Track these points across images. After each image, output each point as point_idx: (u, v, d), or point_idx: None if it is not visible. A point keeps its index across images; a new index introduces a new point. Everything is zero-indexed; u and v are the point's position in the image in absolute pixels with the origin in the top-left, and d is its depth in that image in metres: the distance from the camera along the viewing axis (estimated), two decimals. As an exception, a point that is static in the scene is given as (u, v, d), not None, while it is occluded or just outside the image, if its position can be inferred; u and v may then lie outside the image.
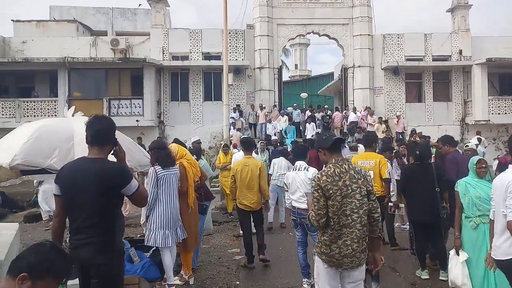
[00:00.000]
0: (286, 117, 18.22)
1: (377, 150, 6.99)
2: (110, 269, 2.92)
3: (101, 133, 2.99)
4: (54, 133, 4.84)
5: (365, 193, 3.24)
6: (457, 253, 4.53)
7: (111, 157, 3.11)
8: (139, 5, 24.45)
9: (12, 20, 22.02)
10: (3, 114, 18.21)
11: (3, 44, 20.15)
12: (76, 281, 3.07)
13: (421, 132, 17.13)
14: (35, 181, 9.41)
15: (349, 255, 3.17)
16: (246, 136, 7.96)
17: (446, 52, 20.82)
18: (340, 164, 3.27)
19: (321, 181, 3.20)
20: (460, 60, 20.55)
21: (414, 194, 5.60)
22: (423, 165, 5.65)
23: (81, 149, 4.41)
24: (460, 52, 20.65)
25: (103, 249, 2.88)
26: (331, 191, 3.16)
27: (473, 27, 21.12)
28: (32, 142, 4.60)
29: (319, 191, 3.19)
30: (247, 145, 6.66)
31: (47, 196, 9.21)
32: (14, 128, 5.60)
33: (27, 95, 19.32)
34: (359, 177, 3.26)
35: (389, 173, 6.21)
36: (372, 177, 5.79)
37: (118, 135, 3.23)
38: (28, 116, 17.78)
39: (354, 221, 3.17)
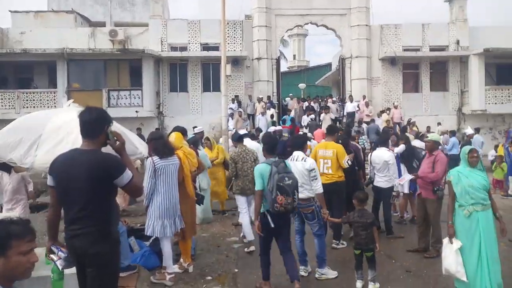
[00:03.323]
0: (272, 110, 18.15)
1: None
2: (105, 258, 2.94)
3: (88, 124, 3.00)
4: (25, 126, 4.91)
5: (253, 160, 6.78)
6: (451, 241, 4.60)
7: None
8: None
9: (10, 11, 21.93)
10: (2, 105, 18.24)
11: (1, 35, 20.09)
12: (73, 270, 3.12)
13: (415, 121, 17.33)
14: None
15: (248, 189, 6.59)
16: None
17: (443, 42, 20.80)
18: (242, 148, 6.98)
19: (233, 155, 6.89)
20: (457, 50, 20.55)
21: None
22: None
23: (46, 138, 4.56)
24: (458, 42, 20.60)
25: (97, 238, 2.91)
26: (237, 159, 6.75)
27: (470, 17, 21.05)
28: (2, 136, 4.71)
29: (231, 159, 6.81)
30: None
31: None
32: (14, 119, 5.64)
33: (26, 86, 19.31)
34: (250, 153, 6.88)
35: (348, 161, 6.46)
36: (329, 165, 6.35)
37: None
38: (27, 107, 17.83)
39: (249, 173, 6.55)
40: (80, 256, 2.95)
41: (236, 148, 7.19)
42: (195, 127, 10.25)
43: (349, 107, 18.77)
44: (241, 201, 6.79)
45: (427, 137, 7.03)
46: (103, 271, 2.95)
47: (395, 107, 18.77)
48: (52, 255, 3.03)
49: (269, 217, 4.54)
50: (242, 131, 9.11)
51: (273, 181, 4.42)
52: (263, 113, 17.67)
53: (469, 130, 14.22)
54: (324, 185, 6.17)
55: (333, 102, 19.57)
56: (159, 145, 5.11)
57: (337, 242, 6.59)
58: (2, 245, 1.94)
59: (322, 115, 17.49)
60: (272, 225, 4.53)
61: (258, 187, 4.61)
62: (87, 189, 2.87)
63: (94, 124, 2.99)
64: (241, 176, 6.71)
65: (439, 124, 18.65)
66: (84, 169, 2.87)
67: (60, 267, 3.01)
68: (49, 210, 3.19)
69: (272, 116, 17.50)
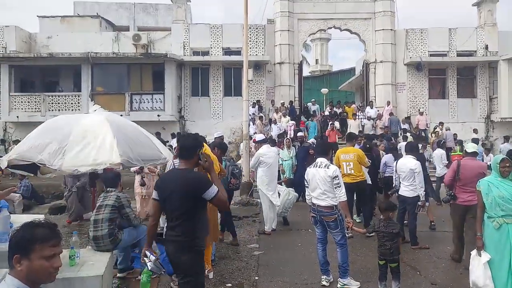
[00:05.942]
0: (288, 117, 17.49)
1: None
2: (187, 266, 3.38)
3: (185, 148, 3.59)
4: (54, 128, 5.02)
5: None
6: (479, 254, 4.44)
7: None
8: None
9: (38, 16, 22.55)
10: (29, 108, 18.72)
11: (29, 40, 20.65)
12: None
13: (438, 131, 16.95)
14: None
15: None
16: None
17: (471, 47, 20.31)
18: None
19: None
20: (486, 56, 20.02)
21: None
22: None
23: (74, 141, 4.74)
24: (486, 47, 20.11)
25: (182, 247, 3.37)
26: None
27: (500, 22, 20.48)
28: (31, 138, 4.85)
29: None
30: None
31: None
32: (40, 122, 5.80)
33: (52, 89, 19.76)
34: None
35: (368, 161, 8.02)
36: (351, 166, 7.66)
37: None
38: (53, 110, 18.26)
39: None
40: (171, 260, 3.48)
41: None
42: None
43: (370, 113, 18.44)
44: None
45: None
46: (187, 277, 3.41)
47: (421, 114, 18.38)
48: (145, 258, 3.50)
49: None
50: (259, 136, 9.21)
51: (228, 171, 7.04)
52: (275, 122, 17.30)
53: (508, 145, 13.77)
54: (349, 184, 7.15)
55: (369, 119, 18.39)
56: None
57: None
58: (26, 248, 1.95)
59: (351, 121, 17.28)
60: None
61: None
62: (180, 203, 3.38)
63: (190, 148, 3.59)
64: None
65: (475, 131, 18.26)
66: (179, 185, 3.40)
67: (149, 268, 3.47)
68: (150, 218, 3.76)
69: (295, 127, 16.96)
